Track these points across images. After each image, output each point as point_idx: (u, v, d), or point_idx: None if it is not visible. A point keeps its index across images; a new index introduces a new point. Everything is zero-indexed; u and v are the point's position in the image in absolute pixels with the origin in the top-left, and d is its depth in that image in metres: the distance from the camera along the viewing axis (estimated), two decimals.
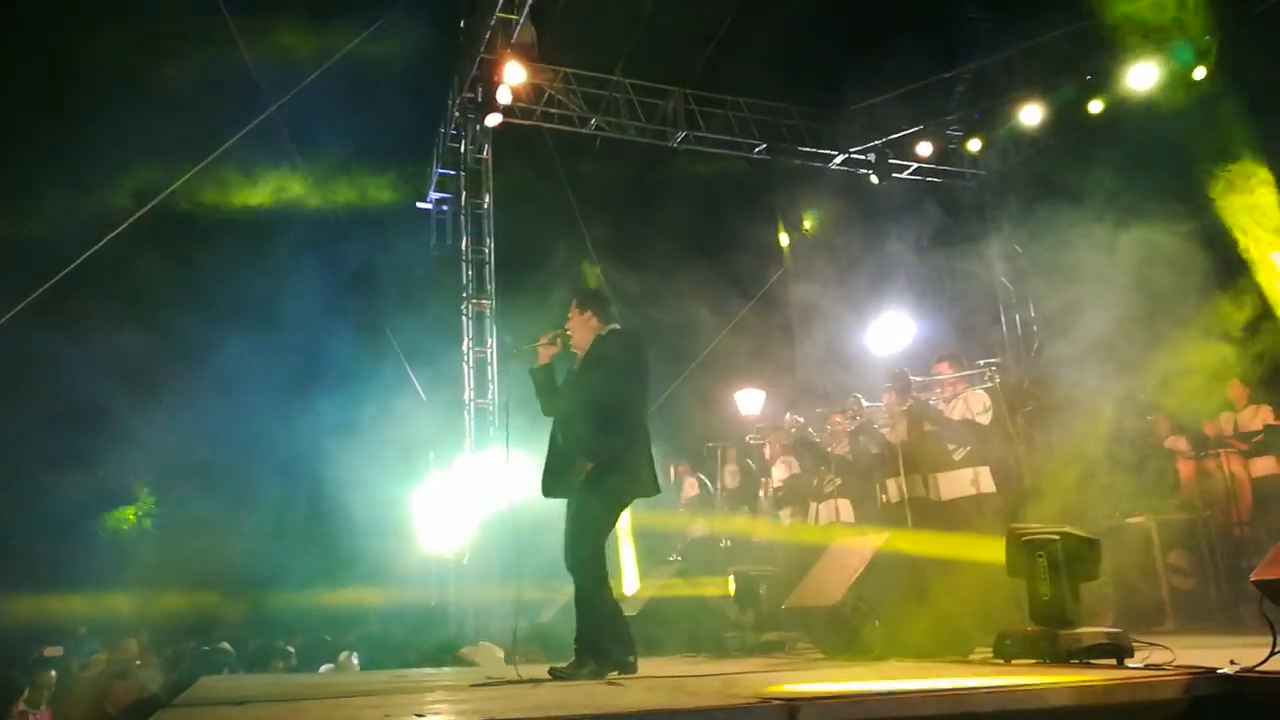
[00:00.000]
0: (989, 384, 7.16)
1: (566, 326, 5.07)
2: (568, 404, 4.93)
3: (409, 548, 11.57)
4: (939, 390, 7.42)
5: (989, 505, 6.84)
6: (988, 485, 6.96)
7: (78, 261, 8.93)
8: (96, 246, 8.91)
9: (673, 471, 9.88)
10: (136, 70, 10.79)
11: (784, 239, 13.53)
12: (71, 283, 9.12)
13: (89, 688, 6.50)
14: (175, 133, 10.64)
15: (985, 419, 7.02)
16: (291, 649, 8.82)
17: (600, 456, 4.66)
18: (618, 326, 5.04)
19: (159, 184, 9.79)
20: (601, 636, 4.64)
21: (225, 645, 9.12)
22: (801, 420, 9.05)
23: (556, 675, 4.46)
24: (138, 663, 7.21)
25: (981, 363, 7.20)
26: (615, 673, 4.50)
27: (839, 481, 8.31)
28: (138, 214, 9.21)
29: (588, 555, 4.72)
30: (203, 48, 10.58)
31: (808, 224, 13.48)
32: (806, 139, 13.04)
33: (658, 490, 4.89)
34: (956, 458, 6.98)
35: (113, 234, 9.18)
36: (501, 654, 7.23)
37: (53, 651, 8.35)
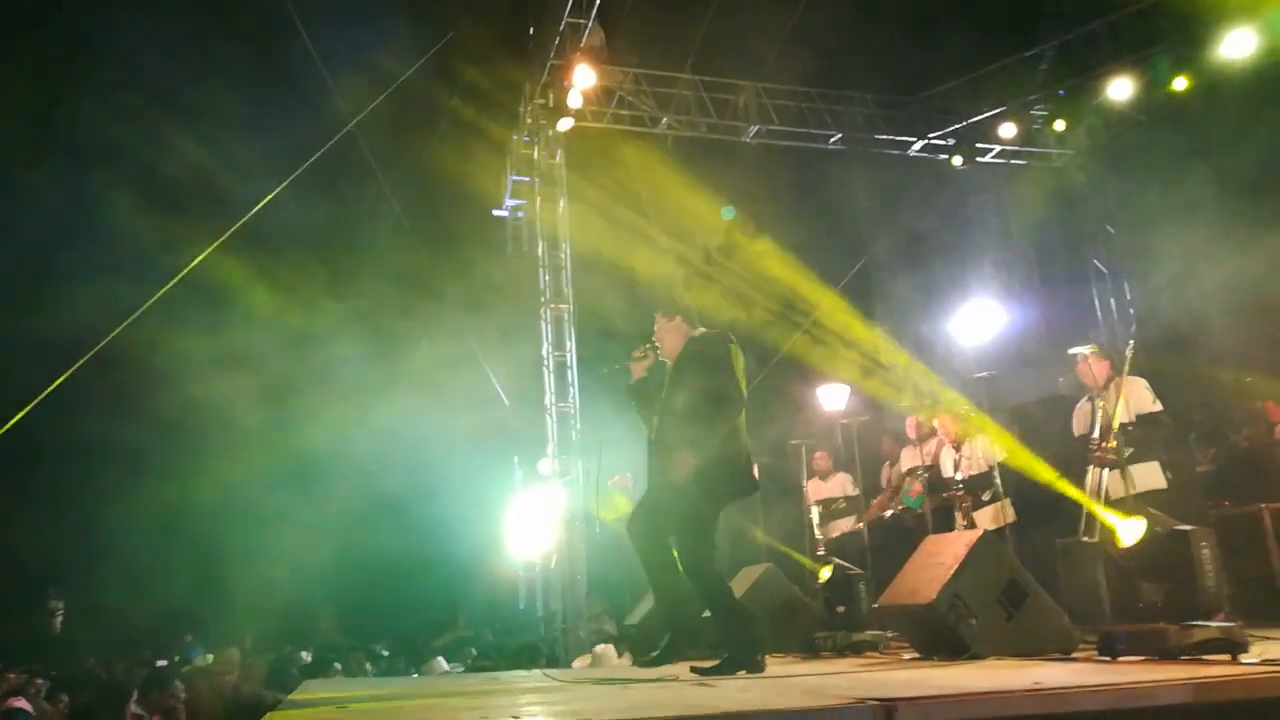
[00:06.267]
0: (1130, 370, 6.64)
1: (655, 336, 5.13)
2: (666, 409, 4.97)
3: (497, 551, 11.73)
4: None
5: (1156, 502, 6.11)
6: (1156, 481, 6.47)
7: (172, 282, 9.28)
8: (182, 273, 9.25)
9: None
10: (205, 86, 11.13)
11: (863, 227, 13.32)
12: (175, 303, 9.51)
13: (197, 696, 6.74)
14: (249, 153, 10.94)
15: (1158, 405, 6.51)
16: (386, 652, 9.02)
17: (703, 454, 4.68)
18: (708, 329, 5.08)
19: (238, 206, 10.11)
20: (743, 636, 4.68)
21: (304, 654, 9.40)
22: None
23: (703, 672, 4.51)
24: (237, 668, 7.47)
25: (1131, 343, 6.69)
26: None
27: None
28: (223, 237, 9.50)
29: (707, 562, 4.77)
30: (274, 67, 10.88)
31: (885, 211, 13.22)
32: (883, 126, 12.78)
33: (756, 488, 4.96)
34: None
35: (205, 252, 9.52)
36: (617, 658, 7.28)
37: (160, 662, 8.70)
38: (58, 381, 8.67)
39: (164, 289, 8.98)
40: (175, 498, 11.31)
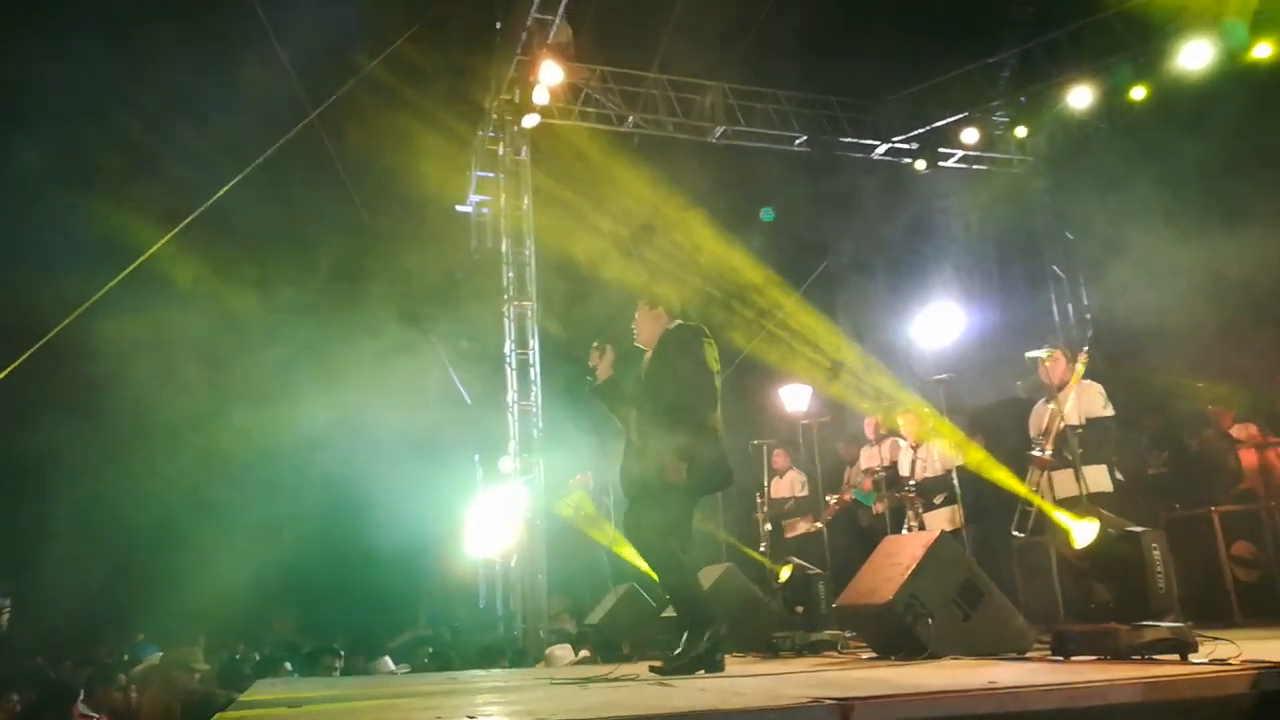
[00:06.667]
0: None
1: (634, 323, 5.13)
2: (639, 405, 4.96)
3: (457, 550, 11.64)
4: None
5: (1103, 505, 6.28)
6: (1103, 484, 6.40)
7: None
8: (144, 256, 9.06)
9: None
10: (169, 77, 10.87)
11: (825, 229, 13.41)
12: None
13: (151, 695, 6.61)
14: (209, 142, 10.71)
15: (1109, 410, 6.52)
16: (342, 652, 8.90)
17: (680, 454, 4.67)
18: (683, 321, 5.05)
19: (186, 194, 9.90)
20: (702, 635, 4.62)
21: (255, 653, 9.25)
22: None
23: (662, 671, 4.46)
24: (199, 667, 7.33)
25: (1086, 348, 6.72)
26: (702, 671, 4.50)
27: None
28: (179, 227, 9.31)
29: (677, 557, 4.74)
30: (240, 57, 10.66)
31: (848, 214, 13.31)
32: (848, 129, 12.87)
33: (730, 483, 4.97)
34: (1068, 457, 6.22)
35: (161, 241, 9.34)
36: (573, 657, 7.24)
37: (107, 658, 8.52)
38: (5, 371, 8.46)
39: (113, 282, 8.78)
40: (126, 494, 11.09)
